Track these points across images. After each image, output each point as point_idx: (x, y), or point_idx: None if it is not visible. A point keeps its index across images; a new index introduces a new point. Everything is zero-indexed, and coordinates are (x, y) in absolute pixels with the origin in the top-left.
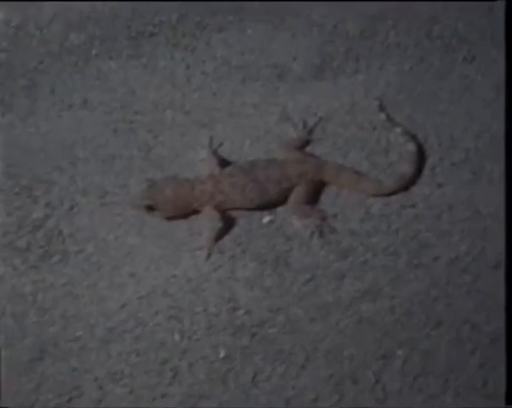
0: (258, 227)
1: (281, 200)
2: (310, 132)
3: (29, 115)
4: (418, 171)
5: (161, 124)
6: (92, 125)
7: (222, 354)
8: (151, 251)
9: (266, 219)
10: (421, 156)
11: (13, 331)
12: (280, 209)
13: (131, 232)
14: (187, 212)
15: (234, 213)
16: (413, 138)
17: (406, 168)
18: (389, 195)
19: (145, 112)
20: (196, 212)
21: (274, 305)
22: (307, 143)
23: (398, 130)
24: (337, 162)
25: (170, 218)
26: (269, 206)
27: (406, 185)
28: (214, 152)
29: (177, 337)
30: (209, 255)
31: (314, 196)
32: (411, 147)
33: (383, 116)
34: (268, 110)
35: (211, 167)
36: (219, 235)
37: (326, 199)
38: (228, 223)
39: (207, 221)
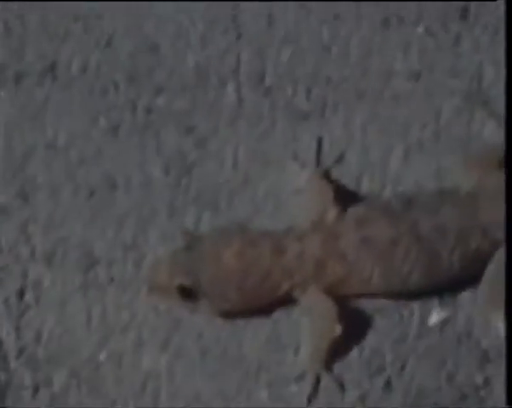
0: (419, 334)
1: (464, 276)
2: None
3: None
4: None
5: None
6: None
7: None
8: (189, 383)
9: (435, 318)
10: None
11: None
12: (464, 297)
13: (149, 346)
14: (266, 302)
15: (365, 305)
16: None
17: None
18: None
19: None
20: (284, 301)
21: None
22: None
23: None
24: None
25: (230, 315)
26: (438, 288)
27: None
28: (327, 171)
29: None
30: (314, 392)
31: None
32: None
33: None
34: None
35: (320, 202)
36: (337, 352)
37: None
38: (354, 327)
39: (312, 321)
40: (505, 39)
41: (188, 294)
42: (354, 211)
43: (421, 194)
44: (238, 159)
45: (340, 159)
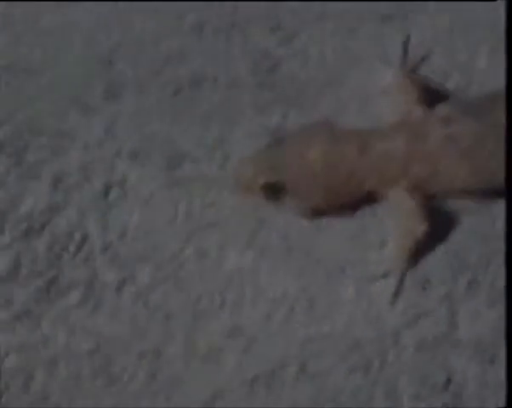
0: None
1: None
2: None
3: None
4: None
5: None
6: None
7: None
8: (277, 281)
9: None
10: None
11: None
12: None
13: (234, 243)
14: (351, 200)
15: (451, 204)
16: None
17: None
18: None
19: None
20: (369, 199)
21: None
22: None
23: None
24: None
25: (315, 213)
26: None
27: None
28: (412, 69)
29: None
30: (399, 290)
31: None
32: None
33: None
34: None
35: (405, 101)
36: (422, 250)
37: None
38: (439, 225)
39: (398, 219)
40: (505, 39)
41: (274, 191)
42: (439, 109)
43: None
44: (324, 57)
45: (426, 58)
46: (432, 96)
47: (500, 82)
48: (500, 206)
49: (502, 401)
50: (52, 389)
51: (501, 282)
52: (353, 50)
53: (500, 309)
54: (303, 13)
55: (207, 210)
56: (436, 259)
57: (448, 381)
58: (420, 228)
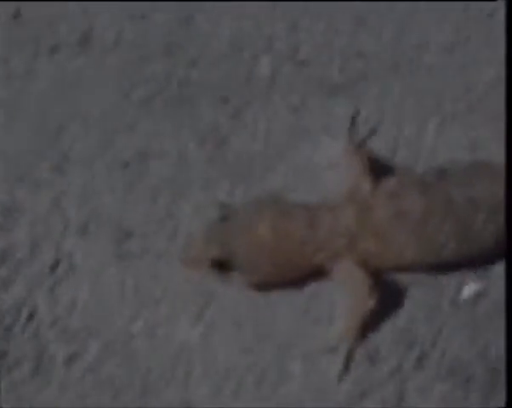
0: (453, 307)
1: (497, 248)
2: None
3: None
4: None
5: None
6: None
7: None
8: (226, 356)
9: (468, 291)
10: None
11: None
12: (497, 270)
13: (182, 318)
14: (300, 274)
15: (398, 278)
16: None
17: None
18: None
19: None
20: (317, 273)
21: None
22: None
23: None
24: None
25: (263, 288)
26: (471, 261)
27: None
28: (360, 143)
29: None
30: (347, 365)
31: None
32: None
33: None
34: None
35: (353, 175)
36: (370, 324)
37: None
38: (387, 300)
39: (345, 294)
40: (505, 39)
41: (222, 266)
42: (387, 183)
43: (454, 166)
44: (272, 131)
45: (374, 132)
46: (380, 169)
47: (447, 156)
48: (448, 278)
49: None
50: None
51: (450, 355)
52: (300, 124)
53: (450, 383)
54: (251, 87)
55: (155, 284)
56: (385, 334)
57: None
58: (369, 302)
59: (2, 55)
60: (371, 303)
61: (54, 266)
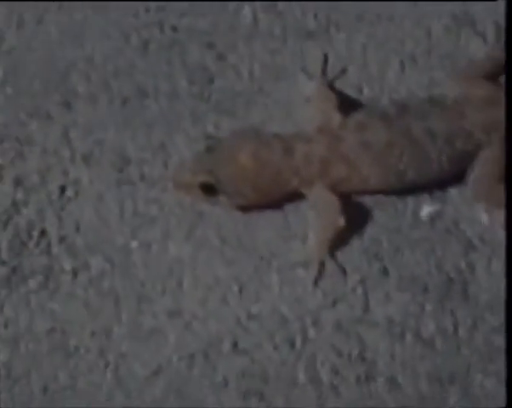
0: (412, 225)
1: (452, 174)
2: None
3: None
4: None
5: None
6: None
7: None
8: (210, 268)
9: (426, 211)
10: None
11: None
12: (452, 193)
13: (175, 236)
14: (278, 197)
15: (364, 200)
16: None
17: None
18: None
19: None
20: (293, 196)
21: None
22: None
23: None
24: None
25: (245, 209)
26: (428, 185)
27: None
28: (331, 82)
29: None
30: (319, 276)
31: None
32: None
33: None
34: None
35: (325, 110)
36: (339, 241)
37: None
38: (354, 219)
39: (318, 214)
40: (505, 39)
41: (209, 190)
42: (355, 117)
43: (413, 100)
44: (254, 72)
45: (343, 71)
46: (348, 104)
47: (408, 90)
48: (407, 201)
49: (409, 371)
50: (14, 365)
51: (408, 270)
52: (279, 65)
53: (409, 293)
54: (235, 33)
55: (150, 206)
56: (353, 249)
57: (362, 355)
58: (338, 221)
59: (15, 8)
60: (341, 221)
61: (62, 190)
